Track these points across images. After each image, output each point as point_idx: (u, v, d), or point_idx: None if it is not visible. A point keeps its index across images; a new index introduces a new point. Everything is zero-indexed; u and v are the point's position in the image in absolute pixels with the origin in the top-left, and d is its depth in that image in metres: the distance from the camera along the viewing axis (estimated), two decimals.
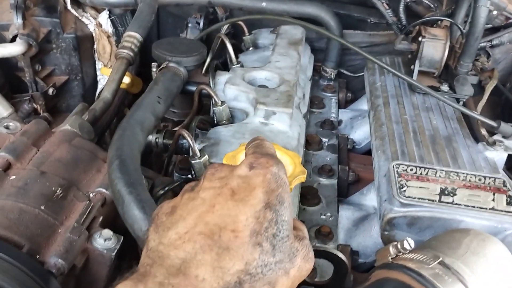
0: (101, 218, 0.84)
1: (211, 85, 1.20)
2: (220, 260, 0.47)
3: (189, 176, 0.99)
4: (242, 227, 0.49)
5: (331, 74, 1.58)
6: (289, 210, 0.53)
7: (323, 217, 1.01)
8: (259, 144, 0.61)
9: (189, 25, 1.53)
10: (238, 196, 0.51)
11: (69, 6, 1.50)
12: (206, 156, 0.95)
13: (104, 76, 1.55)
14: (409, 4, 1.45)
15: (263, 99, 1.09)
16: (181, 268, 0.46)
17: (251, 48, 1.48)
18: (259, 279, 0.48)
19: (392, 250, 0.69)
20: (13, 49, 1.31)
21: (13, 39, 1.33)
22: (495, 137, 1.06)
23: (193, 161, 0.94)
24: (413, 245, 0.68)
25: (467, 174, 0.92)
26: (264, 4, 1.50)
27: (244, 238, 0.48)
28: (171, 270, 0.47)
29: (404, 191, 0.87)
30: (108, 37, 1.56)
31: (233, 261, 0.47)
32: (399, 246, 0.68)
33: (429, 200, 0.85)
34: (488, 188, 0.89)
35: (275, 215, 0.50)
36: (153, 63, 1.25)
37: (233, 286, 0.46)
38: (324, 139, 1.27)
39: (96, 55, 1.56)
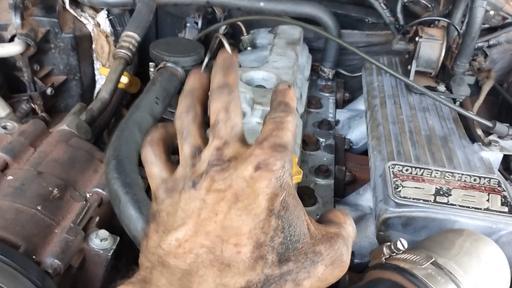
0: (97, 218, 0.84)
1: None
2: (222, 277, 0.45)
3: None
4: (245, 240, 0.45)
5: (329, 74, 1.58)
6: (297, 212, 0.48)
7: (319, 217, 1.02)
8: (280, 123, 0.52)
9: (187, 25, 1.54)
10: (242, 204, 0.47)
11: (67, 6, 1.50)
12: None
13: (102, 76, 1.55)
14: (407, 4, 1.45)
15: (260, 99, 1.09)
16: (183, 280, 0.45)
17: (249, 48, 1.48)
18: None
19: (385, 250, 0.70)
20: (11, 49, 1.31)
21: (11, 39, 1.33)
22: (491, 137, 1.06)
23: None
24: (406, 245, 0.68)
25: (462, 174, 0.93)
26: (262, 4, 1.50)
27: (246, 254, 0.45)
28: (172, 280, 0.45)
29: (399, 191, 0.87)
30: (107, 37, 1.57)
31: (235, 279, 0.44)
32: (392, 247, 0.69)
33: (424, 200, 0.86)
34: (483, 188, 0.90)
35: (280, 222, 0.47)
36: (150, 63, 1.25)
37: None
38: (321, 139, 1.27)
39: (94, 55, 1.56)
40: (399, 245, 0.69)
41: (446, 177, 0.92)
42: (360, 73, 1.46)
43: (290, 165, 0.50)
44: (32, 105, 1.38)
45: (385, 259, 0.70)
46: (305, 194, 1.06)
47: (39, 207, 0.80)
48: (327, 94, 1.51)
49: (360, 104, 1.44)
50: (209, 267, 0.45)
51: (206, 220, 0.47)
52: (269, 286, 0.45)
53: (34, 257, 0.74)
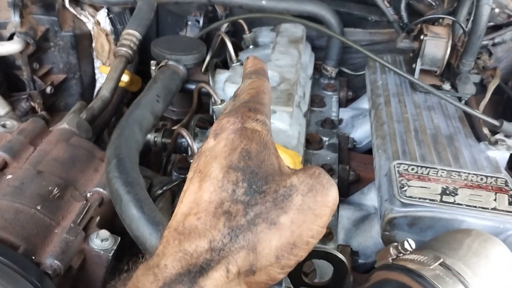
0: (98, 218, 0.83)
1: (211, 84, 1.19)
2: (180, 245, 0.43)
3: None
4: (205, 206, 0.45)
5: (331, 72, 1.57)
6: (261, 156, 0.47)
7: None
8: (235, 97, 0.56)
9: (189, 23, 1.53)
10: (203, 175, 0.47)
11: (67, 4, 1.49)
12: None
13: (102, 74, 1.54)
14: (411, 2, 1.44)
15: None
16: (155, 262, 0.44)
17: (251, 46, 1.47)
18: (229, 250, 0.43)
19: (392, 251, 0.68)
20: (10, 47, 1.30)
21: (10, 37, 1.32)
22: (497, 136, 1.04)
23: (192, 161, 0.93)
24: (413, 245, 0.67)
25: (468, 173, 0.91)
26: (264, 2, 1.49)
27: (206, 217, 0.44)
28: (147, 266, 0.45)
29: (405, 190, 0.86)
30: (107, 35, 1.55)
31: (194, 244, 0.43)
32: (399, 247, 0.67)
33: (430, 200, 0.84)
34: (490, 188, 0.88)
35: (240, 173, 0.45)
36: (152, 61, 1.24)
37: (198, 267, 0.42)
38: (324, 138, 1.26)
39: (94, 53, 1.55)
40: (406, 246, 0.67)
41: (452, 177, 0.90)
42: (363, 72, 1.44)
43: (255, 113, 0.50)
44: (32, 103, 1.38)
45: (392, 259, 0.68)
46: None
47: (38, 207, 0.79)
48: (330, 93, 1.50)
49: (363, 103, 1.42)
50: (171, 242, 0.44)
51: (178, 205, 0.48)
52: (237, 237, 0.43)
53: (33, 257, 0.73)
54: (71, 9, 1.50)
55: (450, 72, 1.25)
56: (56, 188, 0.83)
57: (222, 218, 0.44)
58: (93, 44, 1.54)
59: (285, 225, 0.44)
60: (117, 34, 1.58)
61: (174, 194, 0.98)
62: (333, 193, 0.46)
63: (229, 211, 0.44)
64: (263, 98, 0.54)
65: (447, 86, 1.22)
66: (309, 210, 0.45)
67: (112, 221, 0.86)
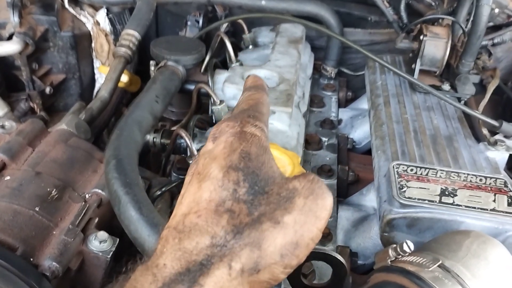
0: (96, 219, 0.83)
1: (210, 84, 1.19)
2: (180, 243, 0.44)
3: None
4: (205, 204, 0.45)
5: (331, 72, 1.56)
6: (262, 159, 0.48)
7: None
8: (241, 101, 0.58)
9: (188, 23, 1.52)
10: (202, 176, 0.48)
11: (66, 5, 1.49)
12: None
13: (102, 74, 1.54)
14: (410, 2, 1.44)
15: None
16: (153, 262, 0.44)
17: (250, 47, 1.47)
18: (232, 247, 0.43)
19: (391, 252, 0.68)
20: (9, 48, 1.30)
21: (9, 38, 1.32)
22: (497, 136, 1.04)
23: (191, 161, 0.93)
24: (412, 247, 0.67)
25: (467, 174, 0.91)
26: (264, 2, 1.49)
27: (207, 214, 0.45)
28: (145, 266, 0.45)
29: (404, 191, 0.86)
30: (106, 35, 1.55)
31: (195, 241, 0.43)
32: (398, 249, 0.67)
33: (429, 201, 0.84)
34: (489, 188, 0.88)
35: (240, 173, 0.46)
36: (151, 62, 1.24)
37: (198, 264, 0.42)
38: (323, 139, 1.26)
39: (93, 53, 1.55)
40: (405, 247, 0.67)
41: (451, 177, 0.90)
42: (363, 72, 1.44)
43: (254, 120, 0.52)
44: (31, 104, 1.37)
45: (390, 261, 0.68)
46: None
47: (37, 208, 0.78)
48: (329, 93, 1.50)
49: (363, 103, 1.42)
50: (170, 241, 0.44)
51: (177, 206, 0.48)
52: (241, 234, 0.44)
53: (31, 259, 0.73)
54: (71, 9, 1.50)
55: (449, 72, 1.25)
56: (54, 190, 0.83)
57: (224, 216, 0.44)
58: (93, 44, 1.54)
59: (289, 225, 0.45)
60: (116, 34, 1.58)
61: (173, 195, 0.98)
62: (331, 198, 0.48)
63: (231, 210, 0.45)
64: (261, 109, 0.56)
65: (446, 86, 1.22)
66: (310, 212, 0.46)
67: (110, 222, 0.86)
